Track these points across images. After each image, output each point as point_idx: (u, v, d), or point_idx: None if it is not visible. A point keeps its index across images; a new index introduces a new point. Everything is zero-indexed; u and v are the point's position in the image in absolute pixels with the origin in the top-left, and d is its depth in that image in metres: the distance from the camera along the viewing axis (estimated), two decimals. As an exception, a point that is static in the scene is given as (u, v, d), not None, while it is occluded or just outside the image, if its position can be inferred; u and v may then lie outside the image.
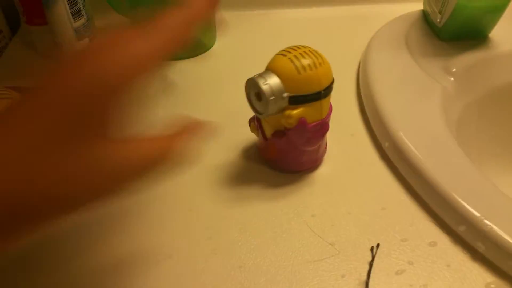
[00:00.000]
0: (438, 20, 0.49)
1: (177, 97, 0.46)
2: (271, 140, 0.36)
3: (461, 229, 0.32)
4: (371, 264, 0.31)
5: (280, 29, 0.57)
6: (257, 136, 0.37)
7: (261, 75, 0.32)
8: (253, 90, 0.33)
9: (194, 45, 0.52)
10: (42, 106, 0.20)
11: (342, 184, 0.37)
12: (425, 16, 0.54)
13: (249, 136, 0.39)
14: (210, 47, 0.54)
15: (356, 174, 0.38)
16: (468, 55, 0.48)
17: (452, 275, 0.30)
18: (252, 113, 0.35)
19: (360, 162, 0.39)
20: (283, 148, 0.35)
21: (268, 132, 0.36)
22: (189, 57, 0.52)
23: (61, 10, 0.43)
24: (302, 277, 0.30)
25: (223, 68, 0.50)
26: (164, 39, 0.23)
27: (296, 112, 0.32)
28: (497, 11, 0.47)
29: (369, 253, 0.32)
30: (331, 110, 0.35)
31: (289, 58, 0.32)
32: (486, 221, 0.31)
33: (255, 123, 0.37)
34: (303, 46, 0.33)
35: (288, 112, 0.32)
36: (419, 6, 0.55)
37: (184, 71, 0.50)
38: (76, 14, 0.45)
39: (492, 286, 0.30)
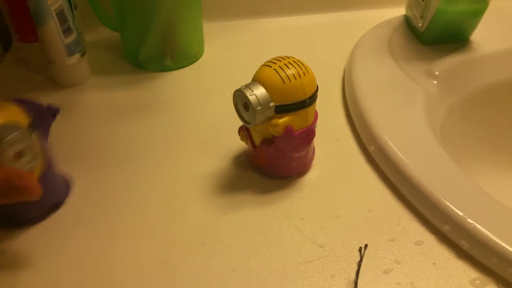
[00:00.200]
0: (420, 25, 0.50)
1: (166, 109, 0.46)
2: (260, 147, 0.36)
3: (445, 228, 0.33)
4: (359, 264, 0.31)
5: (267, 37, 0.58)
6: (247, 144, 0.38)
7: (247, 86, 0.33)
8: (240, 101, 0.34)
9: (182, 56, 0.52)
10: None
11: (330, 188, 0.37)
12: (407, 21, 0.55)
13: (239, 144, 0.40)
14: (198, 58, 0.54)
15: (344, 177, 0.38)
16: (450, 58, 0.48)
17: (438, 272, 0.31)
18: (241, 122, 0.36)
19: (347, 166, 0.39)
20: (272, 155, 0.36)
21: (257, 140, 0.36)
22: (177, 68, 0.52)
23: (52, 27, 0.44)
24: (293, 278, 0.31)
25: (212, 79, 0.51)
26: None
27: (283, 120, 0.33)
28: (476, 15, 0.48)
29: (358, 253, 0.32)
30: (317, 117, 0.36)
31: (274, 69, 0.32)
32: (470, 220, 0.31)
33: (244, 132, 0.37)
34: (287, 57, 0.33)
35: (275, 121, 0.33)
36: (402, 12, 0.56)
37: (172, 82, 0.50)
38: (67, 31, 0.45)
39: (477, 282, 0.30)
